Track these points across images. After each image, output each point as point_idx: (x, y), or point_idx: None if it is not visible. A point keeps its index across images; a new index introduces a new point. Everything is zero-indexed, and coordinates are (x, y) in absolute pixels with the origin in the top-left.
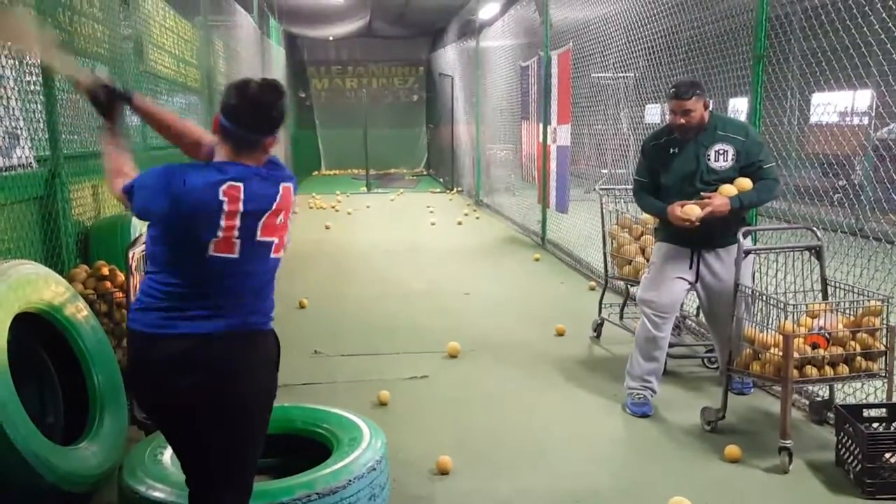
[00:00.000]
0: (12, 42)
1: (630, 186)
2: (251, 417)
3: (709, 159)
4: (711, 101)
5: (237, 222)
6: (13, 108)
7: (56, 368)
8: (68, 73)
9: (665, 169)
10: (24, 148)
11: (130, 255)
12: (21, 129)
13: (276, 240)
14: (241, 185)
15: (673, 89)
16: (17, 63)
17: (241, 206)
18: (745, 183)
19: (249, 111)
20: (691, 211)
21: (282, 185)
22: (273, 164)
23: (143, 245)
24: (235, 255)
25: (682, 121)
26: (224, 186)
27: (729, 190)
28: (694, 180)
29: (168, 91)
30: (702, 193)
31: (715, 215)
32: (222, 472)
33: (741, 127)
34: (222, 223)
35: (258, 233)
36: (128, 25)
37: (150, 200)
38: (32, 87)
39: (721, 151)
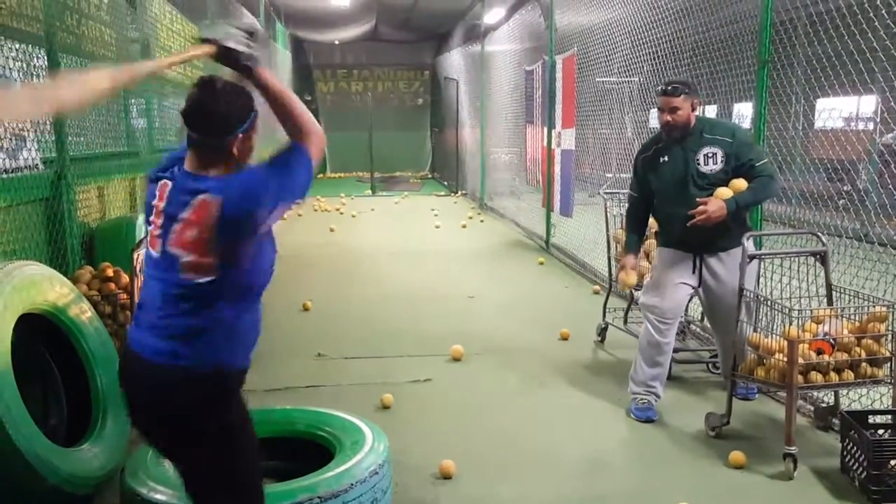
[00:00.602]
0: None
1: None
2: (174, 453)
3: (698, 163)
4: (716, 106)
5: (160, 220)
6: None
7: (59, 369)
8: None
9: (657, 178)
10: (30, 150)
11: (135, 256)
12: (28, 130)
13: (183, 256)
14: (170, 183)
15: (662, 86)
16: (24, 65)
17: (162, 204)
18: (741, 184)
19: (188, 111)
20: (627, 279)
21: (199, 197)
22: (226, 176)
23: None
24: (156, 254)
25: (669, 118)
26: (160, 182)
27: (724, 193)
28: (686, 186)
29: (174, 93)
30: (696, 199)
31: (713, 221)
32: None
33: (728, 128)
34: (152, 217)
35: (168, 239)
36: (135, 28)
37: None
38: None
39: (710, 154)
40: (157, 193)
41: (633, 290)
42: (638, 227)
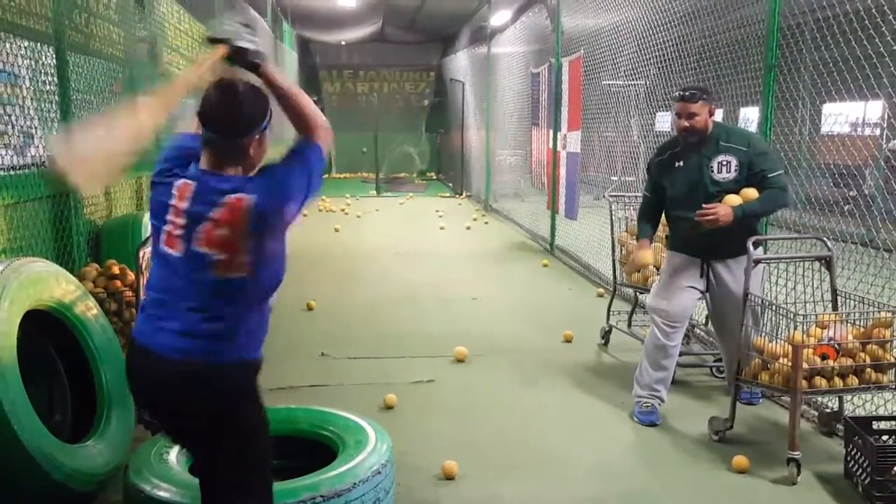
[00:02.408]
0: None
1: (640, 194)
2: (202, 442)
3: (712, 171)
4: (723, 110)
5: (182, 220)
6: (28, 108)
7: (64, 366)
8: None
9: (671, 182)
10: (38, 147)
11: (141, 254)
12: (35, 128)
13: (214, 255)
14: (193, 183)
15: (679, 92)
16: (32, 63)
17: (185, 204)
18: (751, 193)
19: (207, 111)
20: (643, 256)
21: (229, 197)
22: (251, 176)
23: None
24: (179, 254)
25: (686, 124)
26: (179, 182)
27: (733, 200)
28: (698, 192)
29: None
30: (703, 206)
31: (718, 225)
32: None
33: (744, 137)
34: (169, 217)
35: (194, 239)
36: (143, 28)
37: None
38: (48, 87)
39: (724, 163)
40: (177, 193)
41: (638, 293)
42: (650, 220)
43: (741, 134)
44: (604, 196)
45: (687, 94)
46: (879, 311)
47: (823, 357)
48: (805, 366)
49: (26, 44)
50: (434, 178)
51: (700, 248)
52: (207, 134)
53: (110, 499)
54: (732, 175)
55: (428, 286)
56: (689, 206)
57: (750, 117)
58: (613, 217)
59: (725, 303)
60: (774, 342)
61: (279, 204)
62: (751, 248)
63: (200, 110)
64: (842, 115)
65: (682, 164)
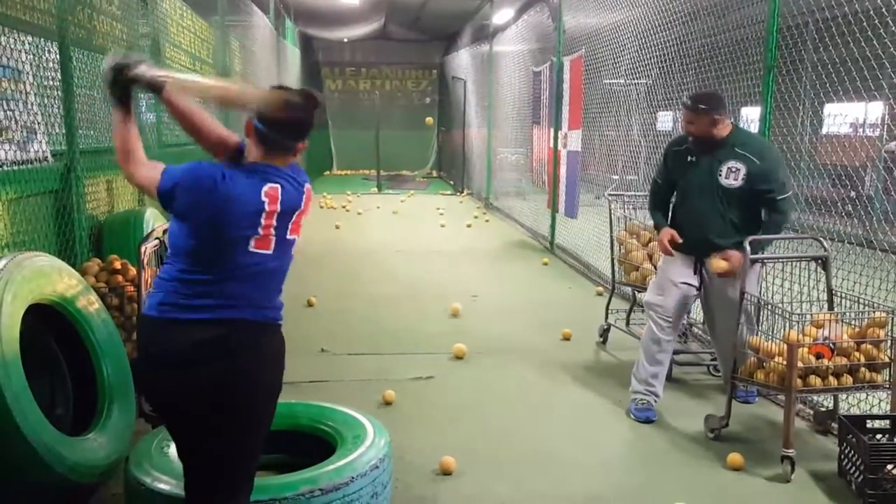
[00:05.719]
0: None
1: (639, 193)
2: (258, 411)
3: (720, 175)
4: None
5: (274, 221)
6: (31, 103)
7: (66, 360)
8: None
9: (682, 175)
10: (40, 142)
11: (143, 249)
12: (38, 123)
13: (297, 237)
14: (279, 186)
15: (686, 99)
16: (35, 59)
17: (278, 207)
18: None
19: (286, 119)
20: (670, 239)
21: (305, 187)
22: (295, 167)
23: (156, 240)
24: (270, 252)
25: (689, 129)
26: (266, 188)
27: (719, 265)
28: (704, 193)
29: None
30: (713, 261)
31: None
32: (224, 467)
33: (759, 148)
34: (263, 221)
35: (288, 231)
36: (146, 24)
37: (194, 199)
38: (51, 83)
39: (733, 169)
40: (268, 199)
41: (636, 292)
42: (661, 207)
43: (758, 144)
44: (604, 195)
45: (689, 102)
46: (874, 311)
47: (818, 356)
48: (800, 364)
49: (30, 39)
50: (435, 175)
51: (694, 246)
52: (275, 135)
53: (111, 491)
54: (739, 183)
55: (428, 283)
56: (692, 205)
57: (752, 117)
58: (613, 216)
59: (717, 300)
60: (770, 341)
61: None
62: (748, 247)
63: (285, 115)
64: (839, 116)
65: (694, 159)
